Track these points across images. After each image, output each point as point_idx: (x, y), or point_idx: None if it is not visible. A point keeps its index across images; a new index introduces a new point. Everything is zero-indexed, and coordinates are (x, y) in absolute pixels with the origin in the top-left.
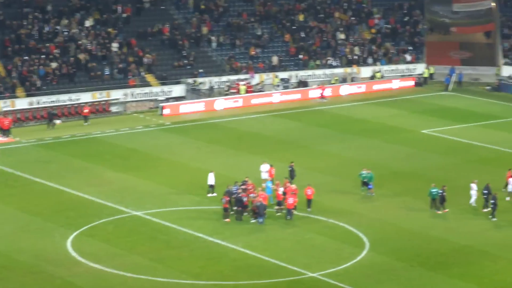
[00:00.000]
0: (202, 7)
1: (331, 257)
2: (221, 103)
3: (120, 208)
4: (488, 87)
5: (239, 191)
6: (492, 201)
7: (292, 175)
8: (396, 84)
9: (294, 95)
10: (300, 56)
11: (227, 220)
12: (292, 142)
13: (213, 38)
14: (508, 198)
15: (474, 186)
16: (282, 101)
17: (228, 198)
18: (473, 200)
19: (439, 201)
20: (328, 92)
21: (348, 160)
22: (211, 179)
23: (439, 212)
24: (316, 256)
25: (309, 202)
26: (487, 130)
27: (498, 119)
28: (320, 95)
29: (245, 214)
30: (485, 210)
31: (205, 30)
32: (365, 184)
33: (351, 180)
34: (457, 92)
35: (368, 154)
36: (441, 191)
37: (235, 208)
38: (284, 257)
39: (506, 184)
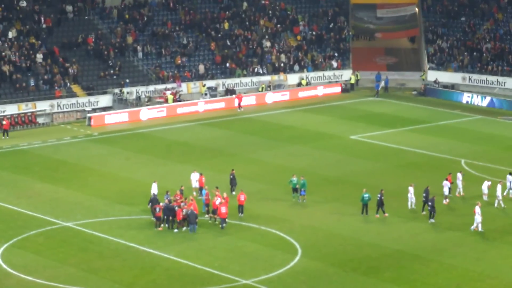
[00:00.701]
0: (126, 16)
1: (264, 264)
2: (146, 113)
3: (51, 219)
4: (414, 92)
5: (170, 200)
6: (430, 204)
7: (233, 183)
8: (323, 90)
9: (219, 104)
10: (227, 65)
11: (159, 229)
12: (221, 150)
13: (138, 47)
14: (445, 201)
15: (411, 189)
16: (206, 110)
17: (160, 207)
18: (410, 203)
19: (378, 205)
20: (245, 101)
21: (278, 167)
22: (154, 189)
23: (378, 216)
24: (249, 263)
25: (240, 207)
26: (414, 135)
27: (425, 124)
28: (237, 104)
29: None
30: (424, 213)
31: (130, 39)
32: (295, 190)
33: (281, 187)
34: (384, 97)
35: (297, 161)
36: (379, 195)
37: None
38: (217, 265)
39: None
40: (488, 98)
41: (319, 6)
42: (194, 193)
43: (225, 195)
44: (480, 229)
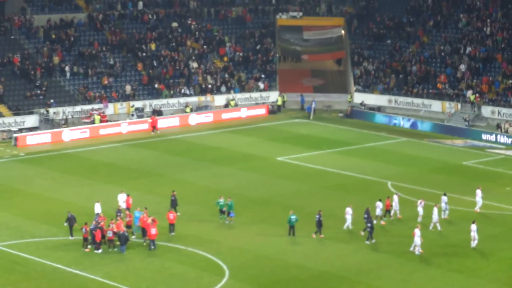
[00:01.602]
0: (53, 36)
1: (191, 285)
2: (69, 134)
3: None
4: (340, 114)
5: (99, 220)
6: (369, 225)
7: (174, 203)
8: (249, 112)
9: (143, 125)
10: (156, 85)
11: (86, 250)
12: (148, 171)
13: (65, 68)
14: (382, 222)
15: (349, 210)
16: (130, 131)
17: (87, 228)
18: (348, 223)
19: (316, 226)
20: (169, 122)
21: (204, 188)
22: (97, 208)
23: (315, 236)
24: (176, 284)
25: (171, 226)
26: (340, 157)
27: (351, 146)
28: (151, 127)
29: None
30: (363, 233)
31: (56, 59)
32: (222, 212)
33: (207, 208)
34: (309, 119)
35: (223, 182)
36: (318, 216)
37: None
38: (145, 286)
39: (388, 211)
40: (412, 121)
41: (245, 27)
42: (122, 214)
43: (151, 218)
44: (417, 252)
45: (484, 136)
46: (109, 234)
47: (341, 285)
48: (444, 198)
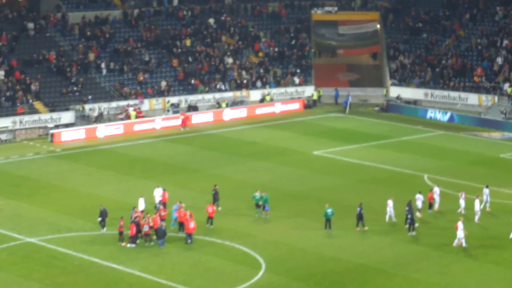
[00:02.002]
0: (88, 33)
1: (227, 279)
2: (104, 130)
3: (13, 235)
4: (376, 108)
5: (135, 215)
6: (409, 216)
7: (215, 198)
8: (285, 106)
9: (177, 121)
10: (192, 81)
11: (122, 244)
12: (184, 166)
13: (101, 64)
14: (419, 214)
15: (390, 202)
16: (164, 127)
17: (122, 222)
18: (391, 215)
19: (357, 219)
20: (190, 120)
21: (240, 182)
22: (141, 204)
23: (358, 229)
24: (212, 278)
25: (209, 219)
26: (377, 150)
27: (387, 139)
28: (182, 123)
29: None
30: (407, 226)
31: (92, 56)
32: (258, 206)
33: (244, 202)
34: (344, 113)
35: (260, 176)
36: (359, 209)
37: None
38: (181, 280)
39: (430, 204)
40: (449, 114)
41: (281, 23)
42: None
43: (189, 212)
44: (464, 244)
45: None
46: (145, 228)
47: (378, 278)
48: (486, 191)
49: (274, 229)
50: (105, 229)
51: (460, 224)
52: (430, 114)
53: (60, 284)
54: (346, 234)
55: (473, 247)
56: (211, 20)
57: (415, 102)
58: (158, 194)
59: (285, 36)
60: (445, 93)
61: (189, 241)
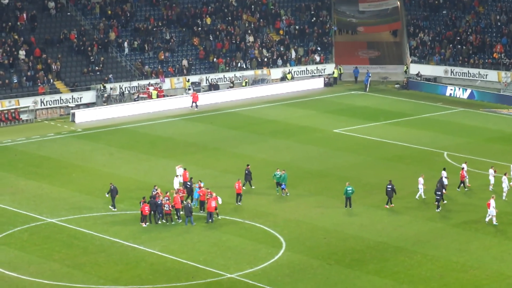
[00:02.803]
0: (109, 12)
1: (248, 258)
2: (125, 109)
3: (35, 215)
4: (397, 85)
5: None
6: (438, 193)
7: (248, 177)
8: (306, 84)
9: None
10: (215, 60)
11: (143, 224)
12: (205, 145)
13: (122, 43)
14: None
15: (421, 180)
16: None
17: (144, 201)
18: (420, 193)
19: (387, 195)
20: (200, 100)
21: (261, 161)
22: (176, 184)
23: (387, 206)
24: (233, 257)
25: (239, 195)
26: (397, 128)
27: (408, 117)
28: (192, 103)
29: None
30: (437, 203)
31: (112, 35)
32: (279, 185)
33: (265, 181)
34: (364, 91)
35: (281, 155)
36: (389, 186)
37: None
38: (202, 259)
39: (461, 183)
40: (468, 91)
41: (301, 0)
42: (178, 188)
43: (209, 191)
44: (494, 222)
45: None
46: (166, 208)
47: (398, 255)
48: None
49: (294, 208)
50: (115, 208)
51: (492, 202)
52: (450, 91)
53: (81, 264)
54: (366, 212)
55: (492, 224)
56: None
57: (435, 79)
58: (179, 173)
59: (305, 14)
60: (465, 70)
61: (210, 220)
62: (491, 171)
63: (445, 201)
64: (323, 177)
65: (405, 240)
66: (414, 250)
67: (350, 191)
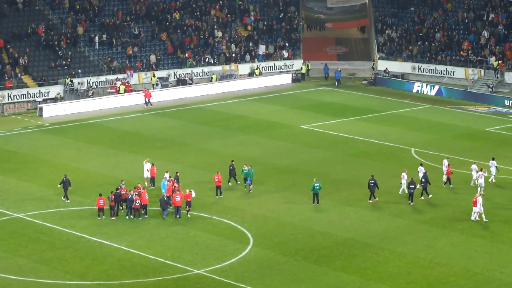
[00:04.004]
0: (77, 7)
1: (216, 254)
2: (93, 104)
3: (1, 210)
4: (364, 81)
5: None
6: (423, 180)
7: (232, 173)
8: (274, 80)
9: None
10: (186, 55)
11: (113, 218)
12: (173, 139)
13: (90, 38)
14: (418, 185)
15: (404, 175)
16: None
17: (113, 196)
18: (402, 188)
19: (369, 190)
20: (153, 97)
21: (230, 156)
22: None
23: (371, 201)
24: (200, 253)
25: (218, 188)
26: (365, 124)
27: (375, 113)
28: (145, 100)
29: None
30: (422, 198)
31: (80, 30)
32: (246, 180)
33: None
34: (334, 87)
35: (249, 150)
36: (372, 181)
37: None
38: (169, 255)
39: (447, 179)
40: (436, 87)
41: None
42: (146, 183)
43: (176, 185)
44: (484, 219)
45: (507, 102)
46: (137, 203)
47: (365, 251)
48: (494, 163)
49: (262, 204)
50: (68, 200)
51: (479, 199)
52: (417, 87)
53: (47, 259)
54: (334, 208)
55: (459, 220)
56: None
57: (402, 75)
58: (146, 168)
59: (273, 10)
60: (432, 66)
61: (177, 215)
62: (474, 166)
63: (430, 195)
64: (291, 173)
65: (373, 237)
66: (382, 247)
67: (318, 187)
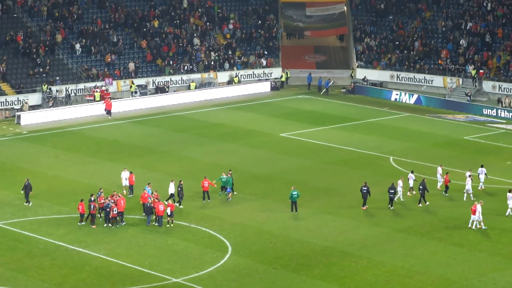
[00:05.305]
0: (56, 14)
1: (194, 262)
2: (71, 111)
3: None
4: (343, 90)
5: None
6: (420, 187)
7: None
8: (253, 88)
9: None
10: (165, 63)
11: (93, 226)
12: (152, 147)
13: (68, 45)
14: (409, 193)
15: (400, 182)
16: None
17: (95, 204)
18: (398, 196)
19: (362, 197)
20: (113, 106)
21: (208, 164)
22: (171, 188)
23: (364, 208)
24: (179, 261)
25: (205, 193)
26: (343, 132)
27: (354, 121)
28: (105, 109)
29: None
30: (420, 205)
31: (59, 37)
32: (224, 188)
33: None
34: (313, 95)
35: (227, 158)
36: (365, 188)
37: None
38: (147, 263)
39: (446, 188)
40: (415, 96)
41: (248, 4)
42: (124, 191)
43: (155, 193)
44: (483, 226)
45: (485, 111)
46: (114, 211)
47: (343, 260)
48: (483, 170)
49: (241, 212)
50: (30, 204)
51: (478, 207)
52: (395, 96)
53: (25, 268)
54: (312, 217)
55: (437, 229)
56: (185, 2)
57: (381, 84)
58: (125, 176)
59: (252, 18)
60: (411, 75)
61: (156, 223)
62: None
63: (427, 203)
64: (269, 181)
65: (351, 245)
66: (360, 255)
67: (296, 195)
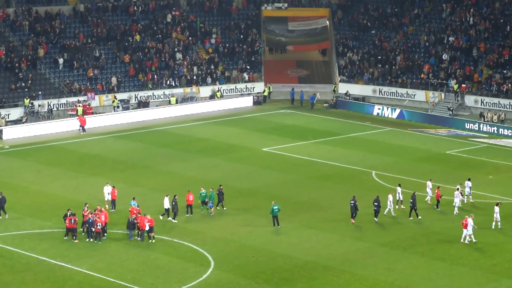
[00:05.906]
0: (38, 29)
1: (176, 277)
2: (54, 126)
3: None
4: (325, 104)
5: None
6: (411, 201)
7: (220, 198)
8: (235, 102)
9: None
10: (145, 78)
11: (75, 240)
12: (134, 162)
13: (50, 60)
14: (403, 206)
15: (390, 197)
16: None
17: (76, 219)
18: (390, 208)
19: (351, 211)
20: (95, 121)
21: (190, 179)
22: (166, 203)
23: (353, 221)
24: (161, 276)
25: (188, 207)
26: (326, 147)
27: (336, 136)
28: (79, 126)
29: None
30: (411, 218)
31: (41, 52)
32: (204, 203)
33: (194, 199)
34: (296, 110)
35: (210, 173)
36: (352, 202)
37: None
38: (130, 278)
39: (437, 202)
40: (398, 111)
41: (231, 18)
42: (107, 206)
43: (137, 208)
44: (473, 240)
45: (467, 125)
46: (98, 226)
47: (326, 274)
48: (469, 183)
49: (223, 226)
50: (7, 215)
51: (470, 221)
52: (378, 110)
53: (7, 283)
54: (295, 231)
55: (420, 243)
56: (169, 16)
57: (363, 98)
58: (107, 191)
59: (235, 32)
60: (393, 89)
61: (138, 238)
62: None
63: (420, 217)
64: (251, 196)
65: (334, 259)
66: (343, 269)
67: (277, 210)
